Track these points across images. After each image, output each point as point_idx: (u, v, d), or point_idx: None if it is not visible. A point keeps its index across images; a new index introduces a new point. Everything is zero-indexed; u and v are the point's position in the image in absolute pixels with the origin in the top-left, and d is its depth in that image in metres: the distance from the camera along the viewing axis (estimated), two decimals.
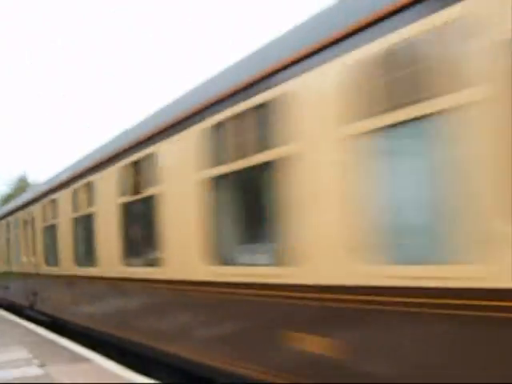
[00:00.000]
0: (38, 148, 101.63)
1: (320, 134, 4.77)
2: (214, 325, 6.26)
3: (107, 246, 9.54)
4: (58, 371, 8.75)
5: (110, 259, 9.41)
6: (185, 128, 6.92)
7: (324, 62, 4.74)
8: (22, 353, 10.66)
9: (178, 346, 7.07)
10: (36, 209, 15.18)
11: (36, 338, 12.76)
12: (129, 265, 8.71)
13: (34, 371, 8.91)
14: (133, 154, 8.41)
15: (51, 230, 13.41)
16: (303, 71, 4.97)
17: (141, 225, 8.42)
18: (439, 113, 3.79)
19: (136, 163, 8.31)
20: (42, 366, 9.25)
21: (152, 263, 7.81)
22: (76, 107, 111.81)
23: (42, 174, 66.01)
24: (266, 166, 5.48)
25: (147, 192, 7.87)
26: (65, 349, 10.98)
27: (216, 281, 6.21)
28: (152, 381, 7.78)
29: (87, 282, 10.83)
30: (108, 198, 9.41)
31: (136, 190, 8.23)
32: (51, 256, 13.59)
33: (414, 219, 4.15)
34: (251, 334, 5.69)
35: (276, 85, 5.32)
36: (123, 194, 8.78)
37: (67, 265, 12.15)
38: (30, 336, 13.14)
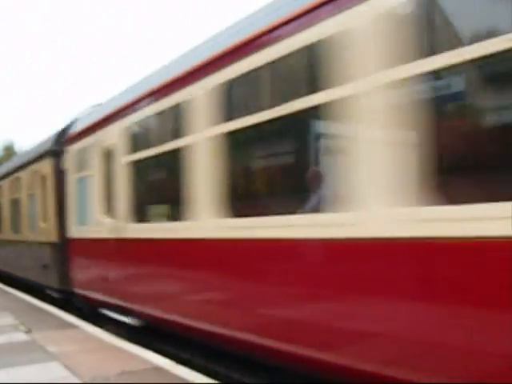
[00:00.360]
0: (23, 115, 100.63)
1: None
2: None
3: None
4: (44, 337, 8.58)
5: None
6: None
7: None
8: (8, 319, 10.49)
9: None
10: None
11: (23, 304, 12.59)
12: None
13: (20, 337, 8.74)
14: None
15: None
16: None
17: None
18: None
19: None
20: (28, 332, 9.08)
21: None
22: (61, 71, 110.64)
23: (29, 141, 65.12)
24: None
25: None
26: (52, 316, 10.82)
27: None
28: (138, 347, 7.63)
29: None
30: None
31: None
32: None
33: None
34: None
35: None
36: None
37: None
38: (16, 303, 12.98)
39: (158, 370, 6.55)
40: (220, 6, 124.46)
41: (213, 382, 6.06)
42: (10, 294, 15.00)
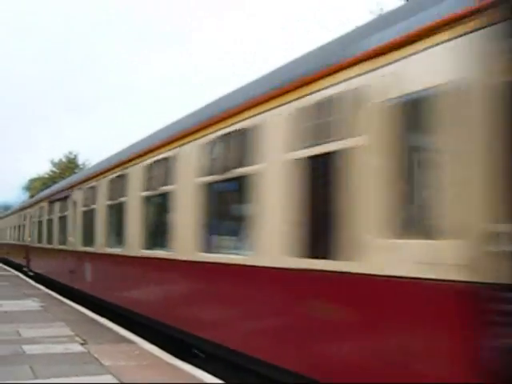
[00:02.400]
0: (86, 130, 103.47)
1: None
2: None
3: None
4: (99, 350, 8.66)
5: None
6: None
7: None
8: (64, 329, 10.64)
9: None
10: None
11: (79, 316, 12.77)
12: None
13: (75, 348, 8.84)
14: None
15: None
16: None
17: None
18: None
19: None
20: (83, 343, 9.18)
21: None
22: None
23: (93, 155, 66.50)
24: None
25: None
26: (107, 329, 10.92)
27: None
28: (195, 368, 7.60)
29: None
30: None
31: None
32: None
33: None
34: None
35: None
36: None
37: None
38: (72, 314, 13.17)
39: None
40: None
41: None
42: (65, 304, 15.25)
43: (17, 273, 28.55)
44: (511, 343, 3.64)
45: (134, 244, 10.84)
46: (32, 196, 49.61)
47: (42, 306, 14.34)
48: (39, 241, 23.44)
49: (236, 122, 7.11)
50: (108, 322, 11.81)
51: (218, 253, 7.56)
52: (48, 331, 10.35)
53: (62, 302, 15.87)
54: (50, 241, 20.96)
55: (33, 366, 7.51)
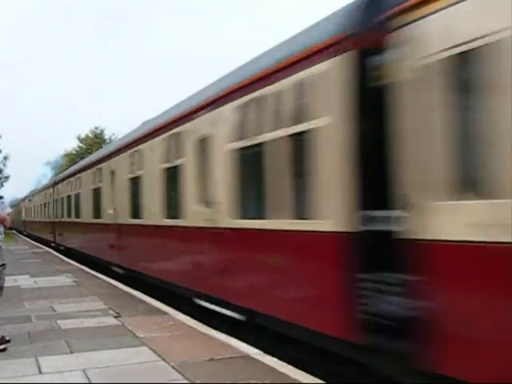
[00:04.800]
0: (111, 104, 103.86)
1: None
2: None
3: None
4: (133, 322, 8.70)
5: None
6: None
7: None
8: (97, 303, 10.73)
9: None
10: None
11: (112, 290, 12.87)
12: None
13: (110, 321, 8.90)
14: None
15: None
16: None
17: None
18: None
19: None
20: (117, 316, 9.24)
21: None
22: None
23: (119, 129, 66.50)
24: None
25: None
26: (140, 301, 10.98)
27: None
28: (226, 335, 7.58)
29: None
30: None
31: None
32: None
33: None
34: None
35: None
36: None
37: None
38: (104, 287, 13.29)
39: (246, 358, 6.50)
40: None
41: (301, 372, 5.96)
42: (97, 278, 15.39)
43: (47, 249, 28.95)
44: None
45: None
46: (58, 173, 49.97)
47: (74, 281, 14.50)
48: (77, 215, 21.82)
49: None
50: (141, 294, 11.87)
51: None
52: (82, 306, 10.45)
53: (94, 276, 16.02)
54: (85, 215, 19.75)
55: (68, 340, 7.58)
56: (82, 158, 35.80)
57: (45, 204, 34.08)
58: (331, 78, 5.75)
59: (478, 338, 4.11)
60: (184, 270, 9.90)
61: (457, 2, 4.24)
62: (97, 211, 17.71)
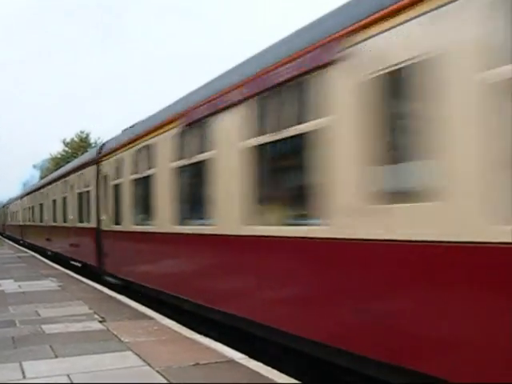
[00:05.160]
0: (96, 109, 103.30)
1: None
2: None
3: None
4: (118, 327, 8.69)
5: None
6: None
7: None
8: (82, 308, 10.69)
9: None
10: None
11: (97, 294, 12.83)
12: None
13: (94, 326, 8.88)
14: None
15: None
16: None
17: None
18: None
19: None
20: (102, 321, 9.22)
21: None
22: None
23: (104, 134, 66.19)
24: None
25: None
26: (125, 305, 10.96)
27: None
28: (213, 341, 7.60)
29: None
30: None
31: None
32: None
33: None
34: None
35: None
36: None
37: None
38: (89, 292, 13.24)
39: (231, 362, 6.51)
40: None
41: (284, 376, 5.99)
42: (82, 282, 15.33)
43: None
44: None
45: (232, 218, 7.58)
46: (43, 177, 50.64)
47: (59, 286, 14.43)
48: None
49: None
50: (126, 298, 11.84)
51: None
52: (67, 310, 10.40)
53: (79, 280, 15.95)
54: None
55: (53, 345, 7.54)
56: (68, 162, 35.63)
57: (16, 211, 47.37)
58: None
59: None
60: None
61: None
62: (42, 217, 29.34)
